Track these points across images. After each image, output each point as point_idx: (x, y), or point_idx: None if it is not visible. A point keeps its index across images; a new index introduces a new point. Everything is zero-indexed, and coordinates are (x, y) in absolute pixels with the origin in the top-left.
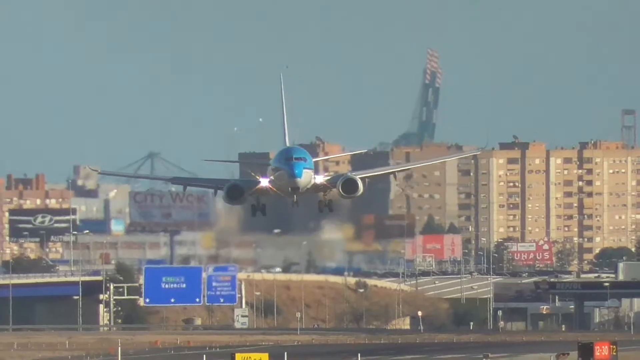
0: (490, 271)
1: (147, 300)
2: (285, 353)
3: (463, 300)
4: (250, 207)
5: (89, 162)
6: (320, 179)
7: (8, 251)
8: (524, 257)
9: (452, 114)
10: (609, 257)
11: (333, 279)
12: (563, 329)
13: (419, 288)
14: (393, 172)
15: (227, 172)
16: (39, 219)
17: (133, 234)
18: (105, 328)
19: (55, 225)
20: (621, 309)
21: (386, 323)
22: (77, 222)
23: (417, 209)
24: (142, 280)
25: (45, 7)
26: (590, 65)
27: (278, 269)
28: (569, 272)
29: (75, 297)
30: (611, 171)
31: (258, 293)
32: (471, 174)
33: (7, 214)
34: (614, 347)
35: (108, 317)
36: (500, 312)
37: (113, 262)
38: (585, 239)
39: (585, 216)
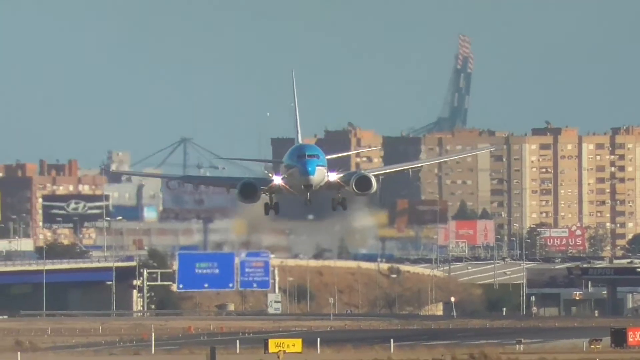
0: (523, 257)
1: (181, 285)
2: (319, 339)
3: (496, 286)
4: (264, 205)
5: (122, 148)
6: (333, 176)
7: (41, 237)
8: (556, 243)
9: (484, 99)
10: None
11: (365, 265)
12: (596, 315)
13: (451, 274)
14: (407, 169)
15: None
16: (72, 205)
17: (166, 221)
18: (139, 314)
19: (89, 211)
20: None
21: (419, 309)
22: (110, 208)
23: (450, 194)
24: (175, 266)
25: None
26: (623, 51)
27: (310, 256)
28: (602, 258)
29: (109, 283)
30: None
31: (291, 279)
32: (504, 159)
33: (40, 200)
34: None
35: (141, 303)
36: (533, 298)
37: (146, 248)
38: (618, 225)
39: (618, 202)
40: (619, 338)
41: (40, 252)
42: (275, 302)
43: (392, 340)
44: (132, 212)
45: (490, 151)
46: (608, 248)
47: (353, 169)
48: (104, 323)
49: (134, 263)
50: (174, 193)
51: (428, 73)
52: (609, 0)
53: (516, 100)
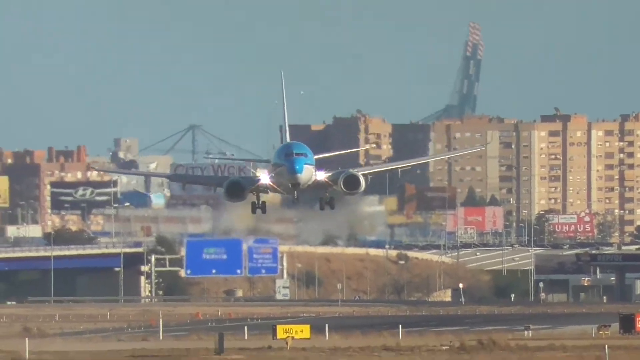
0: (532, 243)
1: (189, 271)
2: (327, 325)
3: (504, 272)
4: (251, 204)
5: (130, 135)
6: (321, 175)
7: (49, 224)
8: (565, 229)
9: (494, 86)
10: None
11: (374, 251)
12: (604, 301)
13: (460, 260)
14: (396, 169)
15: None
16: (80, 192)
17: (174, 208)
18: (147, 300)
19: (97, 197)
20: None
21: (427, 295)
22: (118, 195)
23: (458, 181)
24: (183, 252)
25: None
26: (633, 38)
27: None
28: (610, 244)
29: (117, 269)
30: None
31: (299, 265)
32: (512, 146)
33: (48, 186)
34: None
35: (149, 289)
36: (541, 284)
37: (154, 234)
38: (626, 211)
39: (627, 188)
40: (627, 324)
41: (49, 239)
42: (284, 287)
43: (400, 326)
44: (140, 198)
45: (499, 138)
46: (616, 234)
47: (362, 157)
48: (112, 309)
49: (141, 249)
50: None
51: (437, 60)
52: None
53: (525, 87)
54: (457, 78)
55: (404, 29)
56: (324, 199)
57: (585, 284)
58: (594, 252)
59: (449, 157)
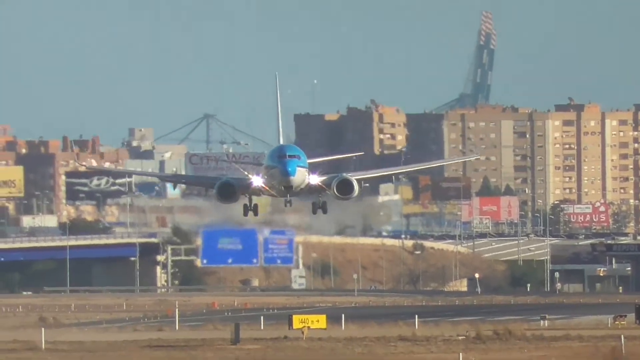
0: (547, 233)
1: (205, 261)
2: (343, 315)
3: (520, 262)
4: (243, 206)
5: (145, 124)
6: (315, 179)
7: (65, 214)
8: (580, 219)
9: (507, 75)
10: None
11: (390, 241)
12: (620, 291)
13: (475, 250)
14: (391, 174)
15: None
16: (95, 182)
17: (189, 198)
18: (163, 289)
19: (111, 187)
20: None
21: (443, 285)
22: (133, 185)
23: (473, 171)
24: (199, 242)
25: None
26: None
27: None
28: (626, 234)
29: (132, 259)
30: None
31: (314, 255)
32: (527, 135)
33: (63, 176)
34: None
35: (165, 279)
36: (557, 274)
37: (170, 225)
38: None
39: None
40: None
41: (64, 229)
42: (300, 277)
43: (416, 316)
44: (155, 189)
45: (514, 128)
46: (632, 224)
47: (377, 147)
48: (128, 299)
49: (157, 240)
50: (197, 168)
51: (451, 49)
52: None
53: (539, 76)
54: (471, 67)
55: (418, 18)
56: (316, 203)
57: (601, 274)
58: (609, 242)
59: (462, 147)
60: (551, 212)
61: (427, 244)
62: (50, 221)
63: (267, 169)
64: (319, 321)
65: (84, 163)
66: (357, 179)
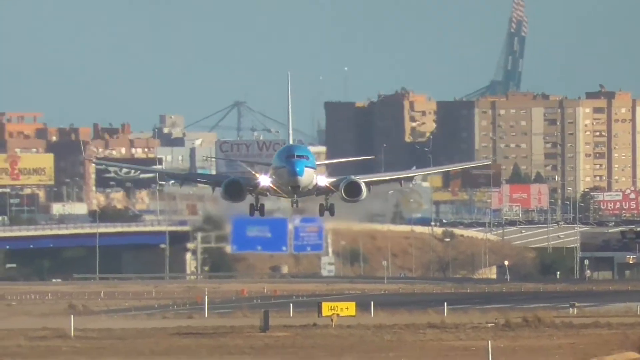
0: (577, 220)
1: (235, 247)
2: (372, 302)
3: (550, 250)
4: (249, 206)
5: (175, 112)
6: (323, 180)
7: (94, 201)
8: (610, 207)
9: (538, 63)
10: None
11: (419, 229)
12: None
13: (505, 237)
14: (400, 178)
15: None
16: (125, 169)
17: None
18: (192, 276)
19: (142, 175)
20: None
21: (472, 272)
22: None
23: (503, 158)
24: (229, 229)
25: None
26: None
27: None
28: None
29: (162, 246)
30: None
31: (343, 242)
32: (557, 123)
33: (93, 164)
34: None
35: (195, 266)
36: (586, 262)
37: (200, 213)
38: None
39: None
40: None
41: (94, 216)
42: (329, 264)
43: (445, 303)
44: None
45: (544, 115)
46: None
47: (407, 134)
48: (157, 286)
49: (187, 228)
50: (228, 155)
51: (482, 36)
52: None
53: (570, 64)
54: (502, 54)
55: (449, 6)
56: (324, 205)
57: (631, 262)
58: (639, 229)
59: (493, 134)
60: (581, 200)
61: (457, 231)
62: (80, 209)
63: (275, 169)
64: (348, 308)
65: (91, 159)
66: (365, 182)
